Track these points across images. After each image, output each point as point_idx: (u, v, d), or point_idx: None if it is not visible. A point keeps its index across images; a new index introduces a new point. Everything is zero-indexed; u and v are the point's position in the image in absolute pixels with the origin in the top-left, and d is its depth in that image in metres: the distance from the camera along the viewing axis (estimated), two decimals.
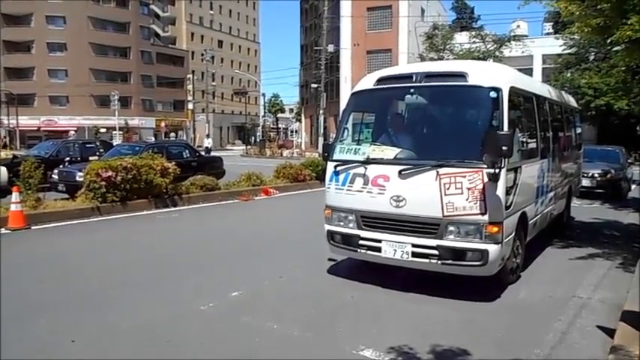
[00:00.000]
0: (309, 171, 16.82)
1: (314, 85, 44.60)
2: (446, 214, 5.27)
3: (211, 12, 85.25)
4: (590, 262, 7.32)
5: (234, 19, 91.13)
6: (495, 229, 5.24)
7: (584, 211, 11.82)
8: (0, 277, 6.03)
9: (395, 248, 5.61)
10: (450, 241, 5.34)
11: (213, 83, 75.39)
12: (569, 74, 32.55)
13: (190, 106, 59.48)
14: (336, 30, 43.68)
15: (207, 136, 45.08)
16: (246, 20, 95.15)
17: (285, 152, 43.27)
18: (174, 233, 9.49)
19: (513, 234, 5.80)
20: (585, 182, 13.07)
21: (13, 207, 9.15)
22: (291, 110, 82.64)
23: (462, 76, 5.74)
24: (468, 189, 5.17)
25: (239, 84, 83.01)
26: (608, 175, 14.04)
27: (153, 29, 72.96)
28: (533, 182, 6.74)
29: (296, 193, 15.51)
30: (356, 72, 38.85)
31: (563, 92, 11.34)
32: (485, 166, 5.14)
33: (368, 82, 6.49)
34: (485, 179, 5.13)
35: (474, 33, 33.98)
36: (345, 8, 43.15)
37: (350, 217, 5.97)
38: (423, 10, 42.96)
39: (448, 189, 5.24)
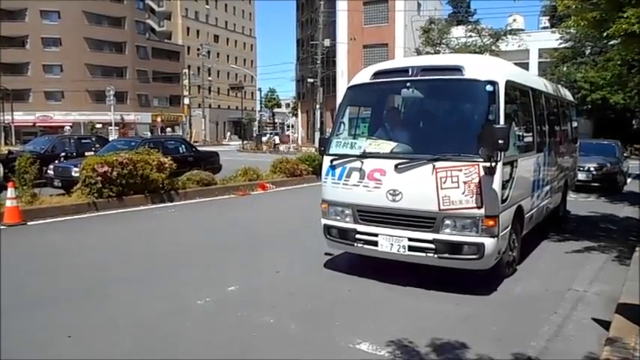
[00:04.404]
0: (306, 165, 16.81)
1: (310, 80, 44.43)
2: (442, 207, 5.28)
3: (207, 7, 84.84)
4: (586, 255, 7.34)
5: (229, 13, 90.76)
6: (491, 222, 5.24)
7: (581, 204, 11.86)
8: None
9: (392, 242, 5.62)
10: (446, 235, 5.34)
11: (210, 78, 75.27)
12: (565, 68, 32.60)
13: (186, 101, 59.33)
14: (332, 24, 43.54)
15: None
16: (242, 15, 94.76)
17: (282, 147, 43.20)
18: (171, 228, 9.48)
19: (509, 227, 5.80)
20: (581, 176, 13.11)
21: (8, 203, 9.12)
22: (288, 105, 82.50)
23: (458, 69, 5.73)
24: (465, 183, 5.17)
25: (235, 79, 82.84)
26: (604, 169, 14.08)
27: (148, 24, 72.65)
28: (530, 176, 6.75)
29: (293, 187, 15.50)
30: (352, 66, 38.79)
31: (559, 86, 11.34)
32: (482, 159, 5.14)
33: (364, 76, 6.47)
34: (482, 173, 5.13)
35: (470, 27, 33.81)
36: (342, 2, 43.02)
37: (346, 212, 5.96)
38: (419, 5, 42.86)
39: (444, 183, 5.24)
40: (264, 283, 6.04)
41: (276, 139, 48.66)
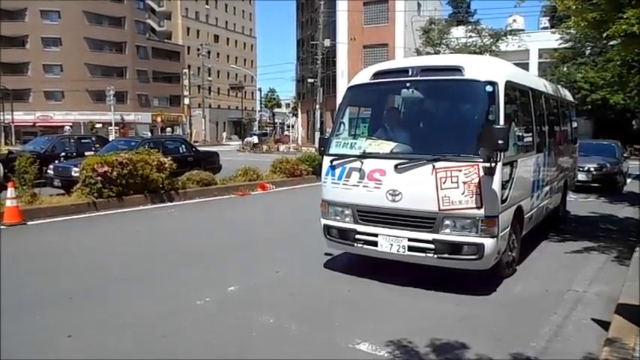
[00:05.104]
0: (306, 166, 16.80)
1: (310, 80, 44.45)
2: (442, 208, 5.28)
3: (207, 7, 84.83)
4: (585, 255, 7.34)
5: (230, 13, 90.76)
6: (491, 223, 5.25)
7: (580, 205, 11.86)
8: None
9: (391, 242, 5.62)
10: (446, 235, 5.35)
11: (210, 78, 75.31)
12: (565, 68, 32.61)
13: (186, 101, 59.39)
14: (332, 24, 43.55)
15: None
16: (242, 15, 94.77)
17: (282, 147, 43.18)
18: (171, 228, 9.48)
19: (509, 228, 5.81)
20: (581, 176, 13.10)
21: (8, 202, 9.12)
22: (288, 105, 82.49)
23: (458, 69, 5.74)
24: (464, 183, 5.18)
25: (235, 79, 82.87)
26: (604, 169, 14.08)
27: (148, 24, 72.65)
28: (529, 176, 6.75)
29: (292, 187, 15.50)
30: (352, 66, 38.79)
31: (559, 86, 11.35)
32: (482, 160, 5.14)
33: (364, 76, 6.48)
34: (481, 173, 5.13)
35: (470, 27, 33.81)
36: (342, 3, 43.04)
37: (346, 212, 5.97)
38: (419, 5, 42.87)
39: (444, 183, 5.24)
40: (264, 283, 6.04)
41: (254, 139, 47.40)
